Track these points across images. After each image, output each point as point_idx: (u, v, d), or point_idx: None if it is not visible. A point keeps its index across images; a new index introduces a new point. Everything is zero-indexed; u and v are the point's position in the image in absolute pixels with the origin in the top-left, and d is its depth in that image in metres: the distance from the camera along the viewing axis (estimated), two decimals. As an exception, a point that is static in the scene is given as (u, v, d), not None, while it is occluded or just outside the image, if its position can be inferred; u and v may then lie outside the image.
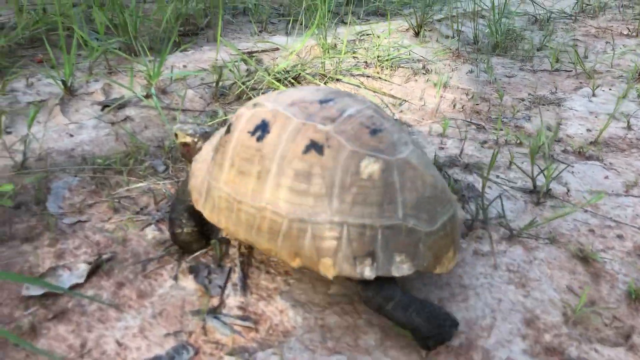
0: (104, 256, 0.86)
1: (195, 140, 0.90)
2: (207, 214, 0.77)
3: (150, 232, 0.92)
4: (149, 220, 0.95)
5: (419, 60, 1.86)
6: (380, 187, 0.67)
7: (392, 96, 1.55)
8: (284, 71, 1.54)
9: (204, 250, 0.87)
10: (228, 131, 0.77)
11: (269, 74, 1.53)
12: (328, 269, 0.67)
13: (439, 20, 2.31)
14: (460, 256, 0.88)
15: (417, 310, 0.68)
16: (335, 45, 1.87)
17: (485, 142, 1.30)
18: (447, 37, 2.18)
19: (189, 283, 0.82)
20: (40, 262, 0.84)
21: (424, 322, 0.68)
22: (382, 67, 1.73)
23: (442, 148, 1.26)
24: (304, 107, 0.73)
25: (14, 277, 0.73)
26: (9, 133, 1.17)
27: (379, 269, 0.66)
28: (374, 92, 1.58)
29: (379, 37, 1.94)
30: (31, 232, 0.91)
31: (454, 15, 2.33)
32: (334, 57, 1.70)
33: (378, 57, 1.77)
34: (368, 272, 0.66)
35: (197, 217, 0.83)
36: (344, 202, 0.66)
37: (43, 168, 1.08)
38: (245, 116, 0.76)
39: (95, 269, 0.84)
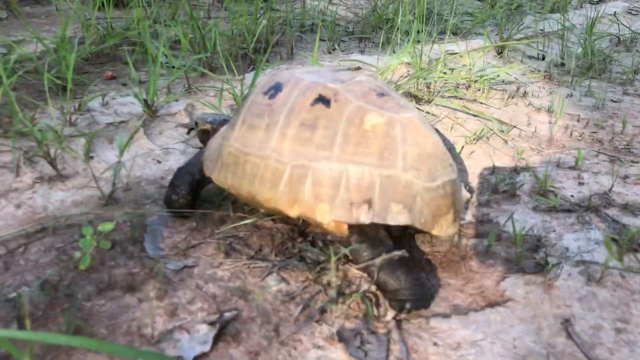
0: (226, 314, 0.70)
1: (215, 127, 0.92)
2: (215, 176, 0.80)
3: (274, 283, 0.76)
4: (269, 268, 0.79)
5: (510, 82, 1.70)
6: (382, 138, 0.68)
7: (499, 120, 1.39)
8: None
9: (344, 308, 0.71)
10: (245, 98, 0.81)
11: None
12: (324, 214, 0.68)
13: (518, 40, 2.15)
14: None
15: (405, 273, 0.69)
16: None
17: (626, 176, 1.12)
18: (530, 57, 2.02)
19: (338, 354, 0.65)
20: (150, 320, 0.69)
21: (409, 285, 0.69)
22: (476, 88, 1.57)
23: (582, 183, 1.08)
24: (318, 73, 0.78)
25: (130, 352, 0.57)
26: (91, 158, 1.03)
27: (375, 216, 0.67)
28: (475, 115, 1.42)
29: (461, 56, 1.78)
30: (133, 279, 0.76)
31: (532, 35, 2.17)
32: (423, 77, 1.54)
33: (470, 78, 1.61)
34: (364, 217, 0.66)
35: (195, 189, 0.88)
36: (345, 150, 0.68)
37: (133, 200, 0.94)
38: (262, 82, 0.80)
39: (220, 332, 0.68)
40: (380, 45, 1.97)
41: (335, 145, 0.68)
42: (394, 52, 1.87)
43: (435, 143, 0.71)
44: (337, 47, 1.92)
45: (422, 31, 2.02)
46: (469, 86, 1.59)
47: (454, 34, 2.30)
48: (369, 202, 0.67)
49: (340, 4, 2.48)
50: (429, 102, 1.47)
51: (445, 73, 1.64)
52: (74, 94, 1.27)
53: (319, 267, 0.79)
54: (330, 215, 0.68)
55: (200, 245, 0.84)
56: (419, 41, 1.81)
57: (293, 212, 0.71)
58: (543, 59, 2.00)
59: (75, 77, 1.33)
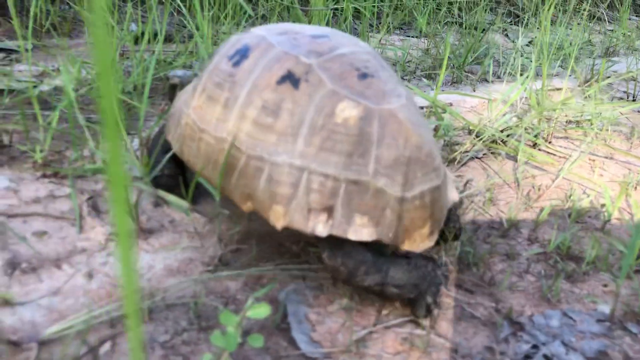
0: None
1: (183, 83, 0.81)
2: (174, 145, 0.69)
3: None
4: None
5: (618, 124, 1.48)
6: (354, 136, 0.57)
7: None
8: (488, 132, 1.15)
9: None
10: (210, 57, 0.69)
11: (479, 137, 1.13)
12: (278, 218, 0.57)
13: (597, 81, 1.96)
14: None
15: (394, 269, 0.58)
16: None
17: None
18: (620, 99, 1.82)
19: None
20: None
21: (408, 279, 0.57)
22: (588, 128, 1.35)
23: None
24: (294, 37, 0.64)
25: None
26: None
27: (334, 227, 0.56)
28: (607, 158, 1.17)
29: (550, 95, 1.57)
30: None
31: (608, 76, 1.99)
32: (544, 115, 1.31)
33: (580, 116, 1.38)
34: (321, 229, 0.56)
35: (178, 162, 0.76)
36: (310, 144, 0.57)
37: (247, 264, 0.66)
38: (230, 41, 0.68)
39: None
40: (451, 82, 1.76)
41: (299, 137, 0.57)
42: (474, 90, 1.66)
43: (418, 144, 0.58)
44: (408, 84, 1.70)
45: (489, 71, 1.83)
46: (578, 124, 1.36)
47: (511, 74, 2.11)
48: (330, 211, 0.56)
49: (386, 44, 2.30)
50: (547, 141, 1.24)
51: (554, 110, 1.41)
52: (127, 129, 1.01)
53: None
54: (283, 220, 0.57)
55: (371, 335, 0.56)
56: (486, 80, 1.60)
57: (246, 208, 0.60)
58: (634, 100, 1.79)
59: (125, 111, 1.07)
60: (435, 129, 1.24)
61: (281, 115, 0.58)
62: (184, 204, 0.65)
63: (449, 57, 2.05)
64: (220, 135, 0.62)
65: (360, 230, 0.56)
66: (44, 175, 0.75)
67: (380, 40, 2.36)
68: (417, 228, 0.59)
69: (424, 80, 1.75)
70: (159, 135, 0.77)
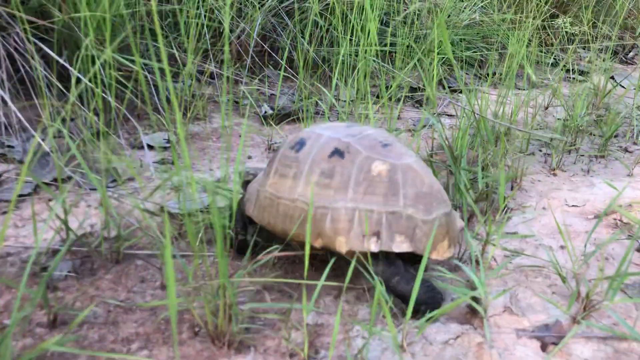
0: None
1: (254, 177, 1.06)
2: (255, 215, 0.93)
3: None
4: None
5: None
6: (386, 182, 0.84)
7: None
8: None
9: None
10: (275, 151, 0.99)
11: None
12: (342, 245, 0.82)
13: None
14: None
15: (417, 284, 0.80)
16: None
17: None
18: None
19: None
20: None
21: (423, 293, 0.84)
22: None
23: None
24: (334, 129, 0.93)
25: None
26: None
27: (382, 245, 0.81)
28: None
29: None
30: None
31: None
32: None
33: None
34: (373, 247, 0.81)
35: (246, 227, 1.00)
36: (357, 192, 0.83)
37: None
38: (289, 138, 0.95)
39: None
40: (596, 156, 1.69)
41: (349, 188, 0.83)
42: (631, 173, 1.58)
43: (430, 184, 0.86)
44: (553, 168, 1.63)
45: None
46: None
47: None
48: (378, 234, 0.82)
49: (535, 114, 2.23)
50: None
51: None
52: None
53: None
54: (346, 246, 0.82)
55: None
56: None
57: (318, 244, 0.84)
58: None
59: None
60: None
61: (335, 177, 0.85)
62: None
63: (585, 126, 1.94)
64: (293, 197, 0.87)
65: (401, 245, 0.82)
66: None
67: (498, 99, 2.28)
68: (439, 242, 0.85)
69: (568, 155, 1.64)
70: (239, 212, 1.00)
